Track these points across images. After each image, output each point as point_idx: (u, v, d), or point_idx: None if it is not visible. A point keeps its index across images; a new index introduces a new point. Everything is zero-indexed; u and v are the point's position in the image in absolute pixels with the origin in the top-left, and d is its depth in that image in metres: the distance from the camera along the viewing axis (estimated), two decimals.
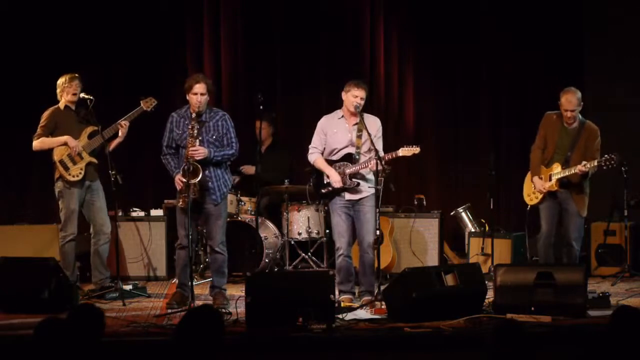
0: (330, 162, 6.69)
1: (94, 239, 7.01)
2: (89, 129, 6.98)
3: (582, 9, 9.35)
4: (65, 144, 6.88)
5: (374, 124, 6.70)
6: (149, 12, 9.04)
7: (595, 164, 6.80)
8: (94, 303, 5.99)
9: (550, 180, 6.97)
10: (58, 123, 6.96)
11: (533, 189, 7.12)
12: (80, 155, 6.90)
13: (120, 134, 6.95)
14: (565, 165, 6.94)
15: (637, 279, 7.62)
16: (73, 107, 6.99)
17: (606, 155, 6.76)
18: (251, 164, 8.32)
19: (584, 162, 6.80)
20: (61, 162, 6.88)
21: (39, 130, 6.97)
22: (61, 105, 6.99)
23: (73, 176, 6.87)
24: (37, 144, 6.97)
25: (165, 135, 6.59)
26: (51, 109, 7.00)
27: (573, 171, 6.84)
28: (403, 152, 6.64)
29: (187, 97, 6.49)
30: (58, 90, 6.98)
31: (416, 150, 6.67)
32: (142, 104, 7.03)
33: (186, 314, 4.00)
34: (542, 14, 9.35)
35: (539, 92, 9.13)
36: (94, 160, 6.96)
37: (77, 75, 6.97)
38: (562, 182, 6.96)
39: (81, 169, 6.89)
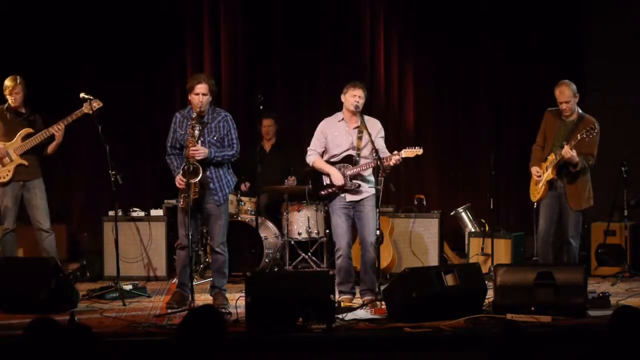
0: (331, 164, 6.67)
1: (37, 237, 7.09)
2: (24, 132, 7.01)
3: (582, 9, 9.35)
4: None
5: (374, 126, 6.67)
6: (149, 12, 9.05)
7: (579, 137, 6.64)
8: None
9: (547, 170, 6.93)
10: None
11: (535, 185, 7.07)
12: (9, 157, 6.94)
13: (56, 137, 6.96)
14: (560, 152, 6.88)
15: (637, 279, 7.62)
16: (21, 109, 7.00)
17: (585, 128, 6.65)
18: (253, 164, 8.24)
19: (565, 146, 6.65)
20: None
21: None
22: (5, 105, 7.03)
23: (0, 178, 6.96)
24: None
25: (169, 136, 6.58)
26: None
27: (559, 157, 6.72)
28: (406, 153, 6.61)
29: (189, 97, 6.45)
30: (5, 92, 6.99)
31: (419, 151, 6.63)
32: (84, 106, 6.87)
33: (188, 313, 4.00)
34: (542, 15, 9.35)
35: (539, 92, 9.10)
36: (24, 162, 6.97)
37: (17, 77, 6.95)
38: (559, 171, 6.87)
39: (8, 171, 6.96)
